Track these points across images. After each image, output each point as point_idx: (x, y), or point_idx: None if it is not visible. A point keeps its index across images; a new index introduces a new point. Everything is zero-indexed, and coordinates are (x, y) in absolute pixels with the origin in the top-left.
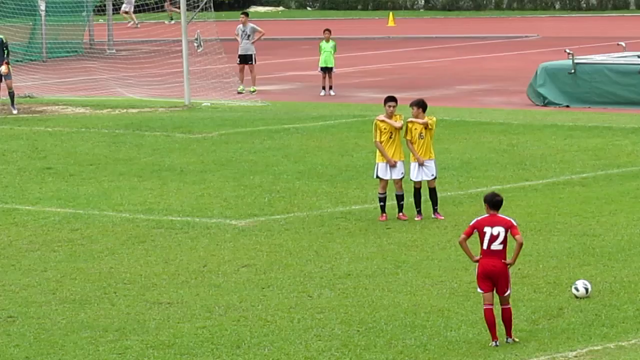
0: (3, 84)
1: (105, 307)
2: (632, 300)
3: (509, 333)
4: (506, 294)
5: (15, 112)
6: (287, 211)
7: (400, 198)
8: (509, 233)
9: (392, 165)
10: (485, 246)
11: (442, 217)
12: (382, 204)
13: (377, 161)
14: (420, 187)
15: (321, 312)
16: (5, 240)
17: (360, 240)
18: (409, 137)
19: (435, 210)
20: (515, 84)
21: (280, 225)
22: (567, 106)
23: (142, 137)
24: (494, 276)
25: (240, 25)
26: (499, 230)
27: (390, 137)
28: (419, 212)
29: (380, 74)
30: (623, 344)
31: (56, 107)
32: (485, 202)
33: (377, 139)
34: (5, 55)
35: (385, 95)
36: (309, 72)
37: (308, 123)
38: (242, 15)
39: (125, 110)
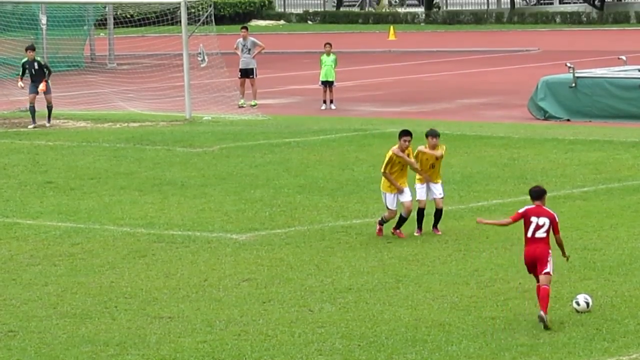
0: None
1: (106, 321)
2: (633, 314)
3: (544, 308)
4: (545, 271)
5: (48, 124)
6: (288, 225)
7: (403, 220)
8: (551, 225)
9: (400, 192)
10: (530, 234)
11: (440, 233)
12: (381, 226)
13: (384, 191)
14: (424, 207)
15: (322, 326)
16: (6, 255)
17: (361, 254)
18: (417, 166)
19: (434, 226)
20: (516, 98)
21: (281, 239)
22: (568, 120)
23: (143, 151)
24: (536, 259)
25: (241, 39)
26: (544, 220)
27: (402, 169)
28: (420, 228)
29: (381, 88)
30: (624, 358)
31: (57, 120)
32: (530, 194)
33: (387, 170)
34: (46, 75)
35: (401, 129)
36: (310, 85)
37: (309, 137)
38: (242, 30)
39: (126, 124)
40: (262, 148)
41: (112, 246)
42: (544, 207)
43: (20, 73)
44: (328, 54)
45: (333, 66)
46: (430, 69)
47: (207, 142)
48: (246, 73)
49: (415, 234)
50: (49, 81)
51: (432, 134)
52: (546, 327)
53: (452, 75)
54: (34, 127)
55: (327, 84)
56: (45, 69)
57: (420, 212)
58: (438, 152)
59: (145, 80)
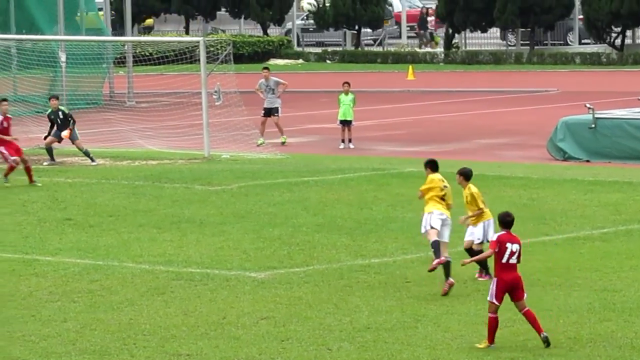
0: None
1: (124, 358)
2: None
3: (540, 329)
4: (525, 296)
5: (94, 163)
6: (307, 264)
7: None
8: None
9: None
10: (504, 260)
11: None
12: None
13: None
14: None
15: None
16: (26, 291)
17: (380, 293)
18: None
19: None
20: (535, 138)
21: (299, 278)
22: (588, 161)
23: (162, 189)
24: (513, 286)
25: (263, 80)
26: (517, 247)
27: (443, 199)
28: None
29: (400, 127)
30: None
31: (76, 158)
32: (502, 221)
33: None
34: (71, 124)
35: (427, 160)
36: (328, 124)
37: (327, 176)
38: (264, 70)
39: (144, 162)
40: (281, 186)
41: (130, 283)
42: (513, 234)
43: (49, 126)
44: (346, 93)
45: (351, 105)
46: (449, 108)
47: (225, 180)
48: (269, 112)
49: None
50: (75, 129)
51: (466, 174)
52: (549, 344)
53: (471, 115)
54: (50, 165)
55: (346, 123)
56: (69, 119)
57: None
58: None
59: (164, 118)
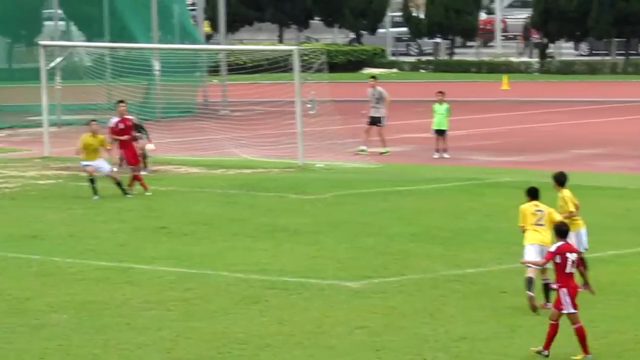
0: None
1: None
2: None
3: (587, 350)
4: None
5: (145, 172)
6: (401, 273)
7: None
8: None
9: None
10: (568, 270)
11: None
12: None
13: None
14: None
15: None
16: (121, 299)
17: (475, 303)
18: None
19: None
20: (631, 149)
21: (394, 288)
22: None
23: (256, 198)
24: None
25: (370, 89)
26: (575, 255)
27: (540, 224)
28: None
29: (494, 137)
30: None
31: (170, 166)
32: (559, 231)
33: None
34: (146, 135)
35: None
36: (423, 134)
37: (422, 185)
38: (370, 79)
39: (239, 171)
40: (375, 196)
41: (225, 292)
42: (571, 244)
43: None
44: (441, 102)
45: (446, 115)
46: (543, 118)
47: (319, 190)
48: (374, 121)
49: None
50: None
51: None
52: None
53: (566, 125)
54: (149, 174)
55: (440, 133)
56: (141, 129)
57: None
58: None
59: (258, 126)
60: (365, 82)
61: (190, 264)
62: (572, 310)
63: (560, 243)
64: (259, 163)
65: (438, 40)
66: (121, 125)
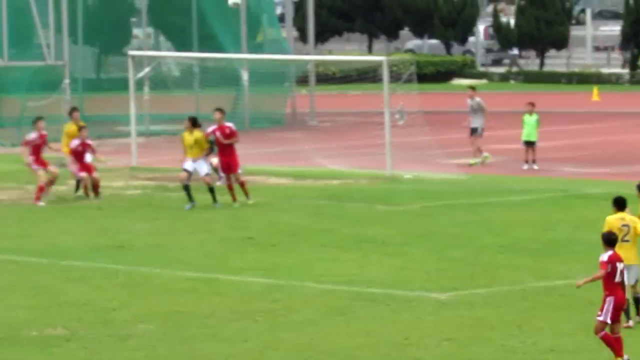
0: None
1: None
2: None
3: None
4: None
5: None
6: (489, 285)
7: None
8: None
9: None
10: (617, 279)
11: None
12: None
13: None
14: None
15: None
16: (207, 310)
17: (564, 315)
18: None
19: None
20: None
21: (482, 299)
22: None
23: (344, 209)
24: (623, 306)
25: (469, 99)
26: (623, 265)
27: (626, 240)
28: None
29: (584, 149)
30: None
31: (258, 177)
32: (607, 240)
33: None
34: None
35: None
36: (512, 145)
37: (511, 197)
38: (469, 89)
39: (327, 181)
40: (464, 207)
41: (312, 303)
42: (618, 253)
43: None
44: (530, 113)
45: (535, 126)
46: (634, 130)
47: (408, 200)
48: (472, 131)
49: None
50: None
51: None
52: None
53: None
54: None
55: (529, 144)
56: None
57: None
58: None
59: (346, 137)
60: (455, 93)
61: (277, 274)
62: (607, 320)
63: (610, 252)
64: (347, 174)
65: (515, 52)
66: (218, 134)
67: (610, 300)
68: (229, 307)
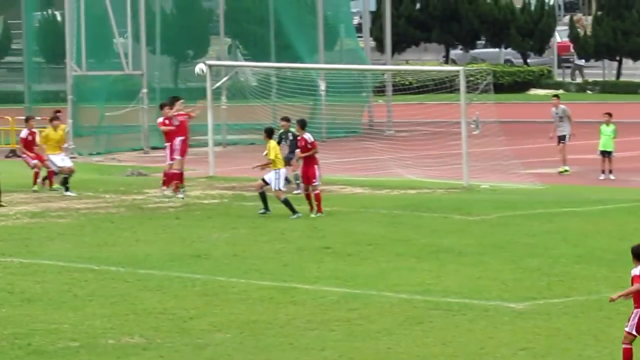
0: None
1: None
2: None
3: None
4: None
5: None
6: (566, 295)
7: None
8: None
9: None
10: None
11: None
12: None
13: None
14: None
15: None
16: (284, 319)
17: None
18: None
19: None
20: None
21: (558, 309)
22: None
23: (420, 218)
24: None
25: (554, 108)
26: None
27: None
28: None
29: None
30: None
31: (335, 186)
32: (634, 254)
33: None
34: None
35: None
36: (588, 155)
37: (587, 207)
38: (554, 98)
39: (403, 191)
40: (540, 217)
41: (389, 312)
42: None
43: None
44: (607, 123)
45: (612, 136)
46: None
47: (484, 210)
48: (559, 139)
49: None
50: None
51: None
52: None
53: None
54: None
55: (606, 154)
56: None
57: None
58: None
59: (423, 147)
60: (531, 103)
61: (354, 284)
62: (634, 332)
63: None
64: (424, 183)
65: (581, 61)
66: (302, 142)
67: (637, 312)
68: (305, 316)
